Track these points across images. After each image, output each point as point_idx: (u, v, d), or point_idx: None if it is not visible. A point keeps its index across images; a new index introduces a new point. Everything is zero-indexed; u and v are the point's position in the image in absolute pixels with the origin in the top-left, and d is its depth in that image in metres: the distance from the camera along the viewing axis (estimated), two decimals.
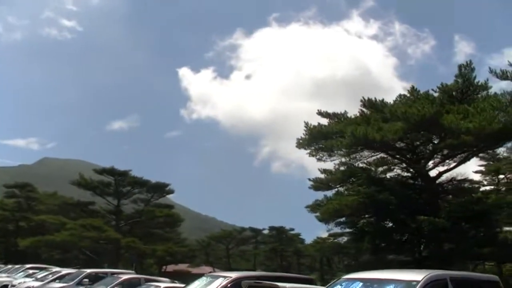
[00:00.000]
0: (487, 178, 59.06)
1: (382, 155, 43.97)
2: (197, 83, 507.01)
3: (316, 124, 43.32)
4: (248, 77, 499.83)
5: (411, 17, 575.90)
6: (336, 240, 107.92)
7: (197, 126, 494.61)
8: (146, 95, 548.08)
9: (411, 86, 41.20)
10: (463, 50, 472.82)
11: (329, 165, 46.32)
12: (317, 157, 45.64)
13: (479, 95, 40.59)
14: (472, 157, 42.59)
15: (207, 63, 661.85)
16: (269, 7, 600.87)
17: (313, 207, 47.98)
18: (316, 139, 42.98)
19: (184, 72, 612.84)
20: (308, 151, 45.55)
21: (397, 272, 11.43)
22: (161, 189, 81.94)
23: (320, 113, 45.14)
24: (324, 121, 45.06)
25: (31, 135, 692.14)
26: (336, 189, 46.98)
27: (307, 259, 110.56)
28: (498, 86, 39.74)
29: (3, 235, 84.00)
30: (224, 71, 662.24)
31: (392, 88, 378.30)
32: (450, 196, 43.55)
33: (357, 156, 43.14)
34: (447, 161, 42.13)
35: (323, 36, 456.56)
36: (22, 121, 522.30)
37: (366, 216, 42.68)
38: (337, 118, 44.77)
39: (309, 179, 47.84)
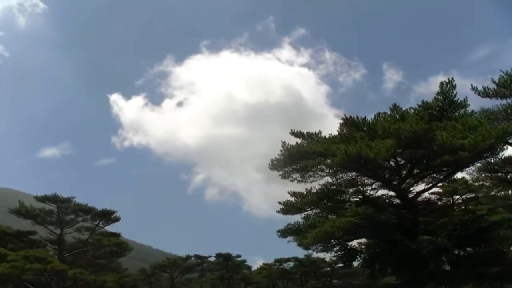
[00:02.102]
0: (443, 198, 57.80)
1: (353, 175, 41.51)
2: (128, 110, 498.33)
3: (292, 144, 40.39)
4: (179, 104, 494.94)
5: (341, 46, 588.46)
6: (282, 266, 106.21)
7: (129, 154, 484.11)
8: (78, 121, 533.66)
9: (393, 104, 38.97)
10: (392, 78, 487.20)
11: (298, 188, 43.86)
12: (291, 178, 42.72)
13: (456, 113, 39.14)
14: (454, 174, 40.96)
15: (138, 90, 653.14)
16: (200, 34, 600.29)
17: (285, 232, 45.04)
18: (294, 159, 39.92)
19: (115, 99, 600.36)
20: (281, 172, 42.49)
21: None
22: (107, 216, 76.21)
23: (293, 133, 42.42)
24: (294, 142, 42.23)
25: None
26: (306, 213, 44.46)
27: (252, 285, 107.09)
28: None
29: None
30: (155, 98, 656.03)
31: (324, 114, 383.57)
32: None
33: (343, 176, 40.25)
34: (429, 179, 40.30)
35: (255, 63, 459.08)
36: None
37: (358, 238, 40.00)
38: (310, 138, 42.02)
39: (280, 202, 44.83)
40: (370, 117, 39.15)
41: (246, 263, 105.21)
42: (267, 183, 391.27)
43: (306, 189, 43.43)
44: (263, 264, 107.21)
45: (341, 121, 39.44)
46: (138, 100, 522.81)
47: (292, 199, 44.39)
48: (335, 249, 41.35)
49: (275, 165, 41.62)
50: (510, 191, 52.64)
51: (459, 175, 49.13)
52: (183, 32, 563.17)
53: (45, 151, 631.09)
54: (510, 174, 48.12)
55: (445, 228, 35.19)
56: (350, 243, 40.84)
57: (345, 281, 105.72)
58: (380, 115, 39.84)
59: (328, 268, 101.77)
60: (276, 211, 45.71)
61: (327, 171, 39.77)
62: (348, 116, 38.52)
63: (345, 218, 34.49)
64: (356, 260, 40.64)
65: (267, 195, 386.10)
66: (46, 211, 74.27)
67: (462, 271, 34.14)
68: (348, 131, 39.03)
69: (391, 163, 39.05)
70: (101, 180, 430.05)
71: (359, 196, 41.73)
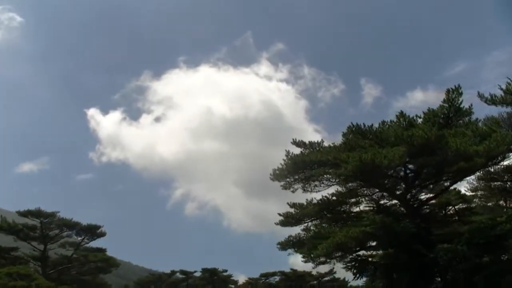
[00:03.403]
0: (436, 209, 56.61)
1: (356, 185, 39.79)
2: (106, 125, 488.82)
3: (296, 153, 38.60)
4: (157, 119, 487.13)
5: (320, 61, 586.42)
6: (267, 280, 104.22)
7: (107, 169, 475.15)
8: (55, 136, 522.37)
9: (400, 111, 37.29)
10: (370, 93, 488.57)
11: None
12: (292, 189, 40.84)
13: (460, 121, 37.84)
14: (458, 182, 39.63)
15: (115, 105, 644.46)
16: (178, 49, 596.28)
17: (285, 244, 43.26)
18: (298, 168, 38.09)
19: (92, 113, 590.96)
20: (282, 183, 40.59)
21: None
22: (92, 231, 73.51)
23: (295, 143, 40.49)
24: (297, 151, 40.41)
25: None
26: (306, 224, 42.69)
27: None
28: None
29: None
30: (132, 113, 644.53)
31: (304, 129, 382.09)
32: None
33: (352, 185, 38.43)
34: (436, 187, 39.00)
35: (233, 78, 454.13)
36: None
37: (371, 248, 38.22)
38: (312, 147, 40.16)
39: (279, 214, 42.78)
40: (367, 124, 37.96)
41: (232, 278, 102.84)
42: (246, 197, 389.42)
43: (306, 200, 41.65)
44: (249, 279, 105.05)
45: (345, 130, 37.73)
46: (115, 115, 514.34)
47: (292, 210, 42.63)
48: (345, 260, 39.41)
49: (277, 175, 39.75)
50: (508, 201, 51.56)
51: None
52: (161, 47, 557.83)
53: (23, 166, 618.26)
54: (509, 183, 47.00)
55: (462, 236, 33.53)
56: (361, 254, 39.07)
57: None
58: (385, 123, 38.33)
59: (315, 282, 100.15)
60: (275, 223, 43.89)
61: (334, 181, 37.98)
62: (354, 124, 36.81)
63: (359, 228, 32.64)
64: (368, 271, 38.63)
65: (247, 210, 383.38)
66: (29, 226, 71.38)
67: (481, 280, 32.53)
68: (353, 139, 37.27)
69: (400, 171, 37.48)
70: (79, 195, 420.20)
71: (372, 206, 39.95)
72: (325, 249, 33.71)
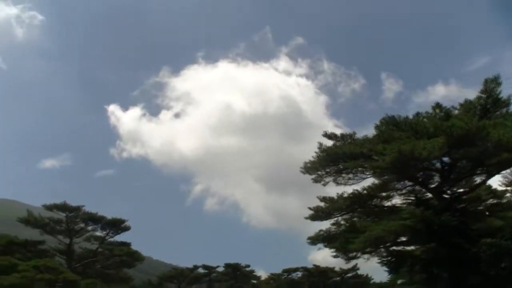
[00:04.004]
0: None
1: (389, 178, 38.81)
2: (126, 121, 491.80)
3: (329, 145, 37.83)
4: (177, 115, 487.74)
5: (340, 56, 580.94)
6: (290, 276, 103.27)
7: (128, 165, 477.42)
8: (76, 133, 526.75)
9: (435, 102, 36.40)
10: (391, 88, 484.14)
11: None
12: (323, 182, 40.17)
13: (498, 112, 36.79)
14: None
15: (135, 101, 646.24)
16: (196, 45, 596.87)
17: (316, 239, 42.55)
18: (330, 161, 37.36)
19: (113, 110, 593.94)
20: (313, 176, 39.85)
21: None
22: (117, 225, 73.09)
23: (326, 135, 39.93)
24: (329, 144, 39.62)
25: None
26: (336, 219, 41.89)
27: None
28: None
29: None
30: (152, 109, 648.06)
31: (323, 124, 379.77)
32: None
33: (387, 179, 37.49)
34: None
35: (253, 73, 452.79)
36: None
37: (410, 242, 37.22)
38: (344, 139, 39.36)
39: (310, 208, 42.08)
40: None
41: (254, 273, 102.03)
42: (266, 193, 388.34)
43: (337, 193, 40.98)
44: (271, 274, 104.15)
45: (377, 122, 36.84)
46: (135, 111, 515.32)
47: (322, 204, 41.89)
48: (381, 255, 38.54)
49: (308, 168, 39.17)
50: None
51: None
52: (179, 43, 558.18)
53: (45, 162, 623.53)
54: None
55: (504, 231, 32.49)
56: (397, 249, 38.17)
57: None
58: (420, 115, 37.43)
59: (338, 278, 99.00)
60: (304, 218, 43.39)
61: (368, 174, 37.14)
62: (389, 115, 35.97)
63: (397, 221, 31.76)
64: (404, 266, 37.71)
65: (266, 206, 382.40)
66: (55, 220, 71.35)
67: None
68: (387, 131, 36.34)
69: (436, 163, 36.50)
70: (101, 191, 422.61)
71: (409, 199, 39.00)
72: (361, 243, 32.97)
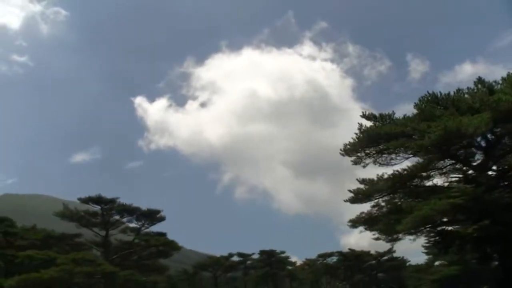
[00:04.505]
0: None
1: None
2: (153, 113, 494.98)
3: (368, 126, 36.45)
4: (203, 104, 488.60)
5: (364, 38, 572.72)
6: (325, 261, 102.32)
7: (156, 156, 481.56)
8: (104, 126, 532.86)
9: (478, 77, 34.69)
10: (417, 68, 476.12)
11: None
12: (363, 164, 38.94)
13: None
14: None
15: (161, 92, 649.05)
16: (219, 33, 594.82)
17: (357, 221, 41.56)
18: (371, 142, 36.13)
19: (139, 101, 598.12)
20: (353, 158, 38.65)
21: None
22: (152, 216, 72.79)
23: (364, 116, 38.35)
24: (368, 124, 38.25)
25: None
26: (376, 201, 40.70)
27: (297, 282, 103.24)
28: None
29: None
30: (178, 99, 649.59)
31: (350, 108, 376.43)
32: None
33: (431, 157, 36.04)
34: None
35: (277, 59, 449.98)
36: None
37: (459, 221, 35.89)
38: (383, 119, 37.91)
39: (350, 190, 40.91)
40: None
41: (289, 259, 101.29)
42: (295, 178, 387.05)
43: (377, 175, 39.72)
44: (306, 259, 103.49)
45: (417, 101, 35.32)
46: (161, 102, 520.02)
47: (362, 186, 40.71)
48: (429, 235, 37.32)
49: (348, 150, 38.00)
50: None
51: None
52: (202, 33, 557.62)
53: (76, 156, 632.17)
54: None
55: None
56: (445, 228, 36.87)
57: (390, 274, 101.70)
58: (460, 91, 35.80)
59: (374, 262, 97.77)
60: (344, 200, 42.27)
61: (410, 153, 35.82)
62: (429, 93, 34.49)
63: (446, 200, 30.38)
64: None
65: (295, 191, 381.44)
66: (91, 213, 71.31)
67: None
68: (428, 109, 34.85)
69: (480, 140, 34.99)
70: (131, 183, 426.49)
71: (452, 177, 37.58)
72: (409, 224, 31.73)
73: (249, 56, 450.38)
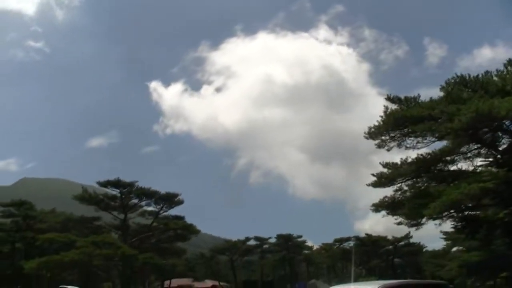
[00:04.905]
0: None
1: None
2: (168, 97, 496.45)
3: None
4: (218, 89, 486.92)
5: (381, 22, 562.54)
6: (342, 246, 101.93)
7: (171, 141, 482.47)
8: (120, 111, 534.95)
9: (508, 59, 33.64)
10: (435, 53, 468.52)
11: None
12: (387, 147, 38.08)
13: None
14: None
15: (176, 77, 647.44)
16: (234, 17, 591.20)
17: (380, 206, 40.77)
18: (397, 125, 35.33)
19: (155, 86, 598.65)
20: (377, 141, 37.88)
21: (365, 283, 14.26)
22: (170, 200, 72.58)
23: (389, 99, 37.50)
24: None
25: (9, 156, 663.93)
26: (399, 185, 39.87)
27: (313, 266, 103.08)
28: None
29: None
30: (193, 84, 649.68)
31: (366, 93, 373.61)
32: None
33: (459, 141, 35.12)
34: None
35: (293, 43, 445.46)
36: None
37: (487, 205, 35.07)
38: (408, 102, 37.06)
39: (373, 174, 40.09)
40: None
41: (306, 244, 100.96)
42: (310, 163, 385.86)
43: (401, 159, 38.92)
44: (323, 244, 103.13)
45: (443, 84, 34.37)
46: (177, 87, 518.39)
47: (385, 170, 39.92)
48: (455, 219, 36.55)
49: (372, 133, 37.18)
50: None
51: None
52: (217, 17, 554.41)
53: (93, 141, 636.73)
54: None
55: None
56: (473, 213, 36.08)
57: (406, 259, 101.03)
58: (489, 73, 34.83)
59: (390, 247, 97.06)
60: (366, 185, 41.40)
61: (436, 136, 34.96)
62: (457, 75, 33.59)
63: (477, 184, 29.54)
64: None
65: (311, 176, 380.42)
66: (109, 196, 71.41)
67: None
68: (455, 91, 33.94)
69: (509, 124, 33.95)
70: (146, 167, 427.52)
71: (487, 160, 36.55)
72: (438, 208, 30.91)
73: (264, 41, 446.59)
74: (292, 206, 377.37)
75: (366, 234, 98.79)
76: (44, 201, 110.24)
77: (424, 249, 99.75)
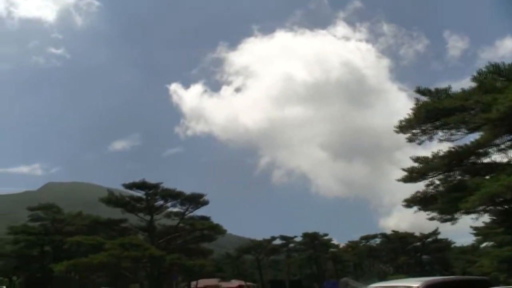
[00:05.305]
0: None
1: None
2: (188, 99, 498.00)
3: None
4: (237, 89, 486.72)
5: (399, 16, 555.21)
6: (368, 243, 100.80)
7: (193, 142, 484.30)
8: (141, 114, 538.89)
9: None
10: (456, 45, 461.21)
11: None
12: (418, 141, 37.24)
13: None
14: None
15: (195, 78, 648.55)
16: (251, 17, 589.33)
17: (412, 201, 40.02)
18: (429, 117, 34.39)
19: (174, 88, 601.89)
20: (408, 135, 37.00)
21: (405, 281, 12.61)
22: (196, 200, 72.03)
23: (419, 91, 36.49)
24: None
25: (34, 162, 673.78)
26: (431, 179, 38.98)
27: (340, 264, 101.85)
28: None
29: (27, 261, 74.63)
30: (212, 85, 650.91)
31: (387, 89, 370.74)
32: None
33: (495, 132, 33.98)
34: None
35: (311, 41, 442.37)
36: (24, 148, 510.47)
37: None
38: (438, 94, 36.03)
39: (403, 169, 39.22)
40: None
41: (332, 242, 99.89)
42: (333, 160, 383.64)
43: (432, 152, 38.04)
44: (349, 242, 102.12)
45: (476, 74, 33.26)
46: (196, 89, 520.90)
47: (416, 164, 39.01)
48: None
49: (403, 127, 36.35)
50: None
51: None
52: (234, 17, 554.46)
53: (115, 144, 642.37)
54: None
55: None
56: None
57: (434, 255, 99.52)
58: None
59: (418, 243, 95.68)
60: (396, 180, 40.55)
61: (471, 128, 33.90)
62: (492, 63, 32.46)
63: None
64: None
65: (333, 174, 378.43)
66: (135, 198, 71.11)
67: None
68: (489, 81, 32.85)
69: None
70: (169, 169, 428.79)
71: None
72: (477, 201, 29.88)
73: (282, 39, 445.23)
74: (315, 205, 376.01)
75: (393, 231, 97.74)
76: (69, 205, 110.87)
77: (453, 245, 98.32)
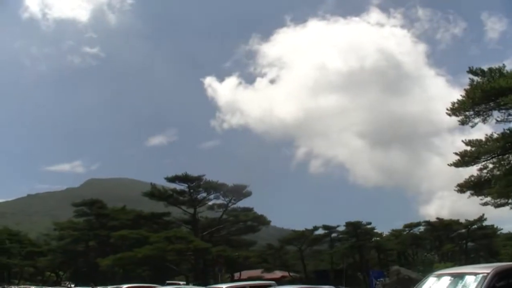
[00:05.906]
0: None
1: None
2: (223, 92, 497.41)
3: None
4: (272, 81, 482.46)
5: (433, 0, 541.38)
6: (412, 231, 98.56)
7: (229, 135, 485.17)
8: (177, 108, 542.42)
9: None
10: (494, 28, 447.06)
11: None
12: (471, 124, 35.60)
13: None
14: None
15: (229, 71, 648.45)
16: (283, 8, 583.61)
17: (465, 186, 38.41)
18: (485, 98, 32.77)
19: (209, 82, 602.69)
20: (460, 118, 35.39)
21: (473, 267, 11.87)
22: (239, 192, 71.45)
23: (471, 71, 34.77)
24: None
25: (75, 159, 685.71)
26: (484, 163, 37.26)
27: (384, 253, 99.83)
28: None
29: (73, 256, 75.37)
30: (247, 77, 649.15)
31: (424, 74, 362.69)
32: None
33: None
34: None
35: (344, 29, 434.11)
36: (65, 146, 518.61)
37: None
38: (492, 74, 34.26)
39: (456, 153, 37.68)
40: None
41: (375, 231, 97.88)
42: (370, 149, 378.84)
43: (486, 135, 36.36)
44: (392, 230, 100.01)
45: None
46: (231, 81, 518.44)
47: (468, 148, 37.38)
48: None
49: (455, 109, 34.75)
50: None
51: None
52: (265, 8, 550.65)
53: (153, 139, 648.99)
54: None
55: None
56: None
57: (479, 243, 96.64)
58: None
59: (463, 230, 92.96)
60: (448, 165, 39.00)
61: None
62: None
63: None
64: None
65: (371, 163, 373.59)
66: (178, 191, 70.97)
67: None
68: None
69: None
70: (207, 163, 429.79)
71: None
72: None
73: (315, 28, 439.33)
74: (354, 194, 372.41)
75: (437, 218, 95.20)
76: (111, 200, 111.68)
77: (499, 232, 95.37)
